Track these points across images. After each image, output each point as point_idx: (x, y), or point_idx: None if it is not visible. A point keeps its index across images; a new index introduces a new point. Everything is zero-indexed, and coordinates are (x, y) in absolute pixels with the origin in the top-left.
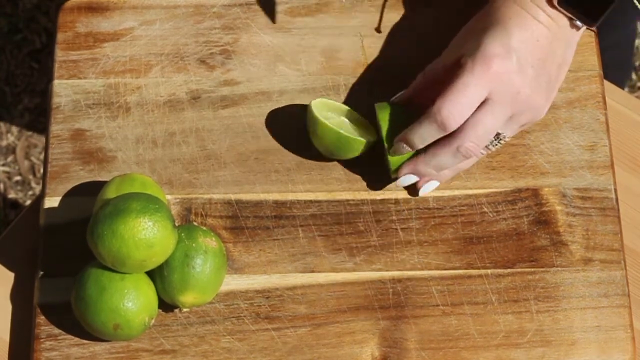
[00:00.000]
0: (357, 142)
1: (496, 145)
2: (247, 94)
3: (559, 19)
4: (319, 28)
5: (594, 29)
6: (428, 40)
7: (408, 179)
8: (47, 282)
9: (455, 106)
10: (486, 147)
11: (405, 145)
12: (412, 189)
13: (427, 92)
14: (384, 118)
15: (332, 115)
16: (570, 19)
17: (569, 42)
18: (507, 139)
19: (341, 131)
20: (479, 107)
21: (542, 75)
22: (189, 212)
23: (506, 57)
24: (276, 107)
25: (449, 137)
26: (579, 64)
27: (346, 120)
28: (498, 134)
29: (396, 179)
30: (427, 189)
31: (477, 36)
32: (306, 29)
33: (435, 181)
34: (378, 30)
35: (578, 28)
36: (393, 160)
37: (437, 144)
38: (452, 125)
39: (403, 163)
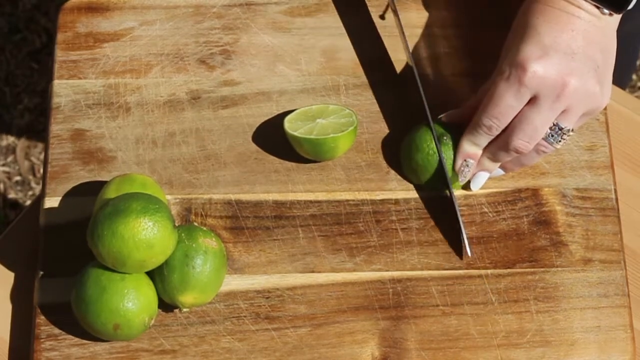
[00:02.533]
0: (328, 140)
1: (562, 138)
2: (247, 94)
3: (588, 8)
4: (319, 28)
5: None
6: (432, 40)
7: (480, 177)
8: (47, 282)
9: (496, 113)
10: (551, 141)
11: (468, 159)
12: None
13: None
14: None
15: (303, 123)
16: (597, 7)
17: (605, 27)
18: (572, 132)
19: (311, 137)
20: (526, 105)
21: (587, 63)
22: (189, 212)
23: (542, 56)
24: (276, 107)
25: (501, 136)
26: None
27: (321, 120)
28: (561, 128)
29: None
30: (479, 182)
31: (513, 46)
32: (306, 29)
33: (485, 172)
34: (382, 17)
35: (610, 14)
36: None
37: (493, 144)
38: (496, 129)
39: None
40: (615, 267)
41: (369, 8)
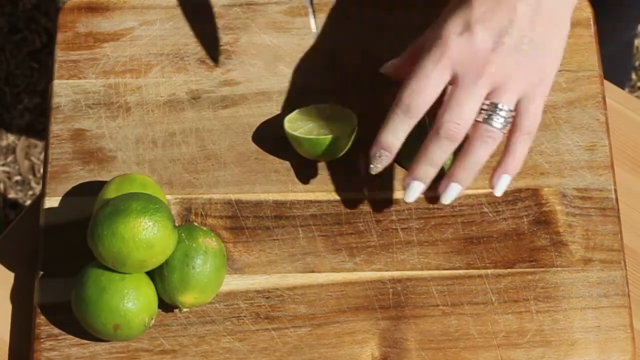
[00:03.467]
0: (328, 140)
1: (501, 117)
2: (247, 94)
3: None
4: (319, 28)
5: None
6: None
7: (412, 189)
8: (47, 282)
9: (417, 91)
10: (490, 122)
11: (383, 151)
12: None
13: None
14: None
15: (303, 123)
16: None
17: (553, 2)
18: (512, 112)
19: (311, 137)
20: (452, 85)
21: (521, 41)
22: (189, 212)
23: (465, 32)
24: (276, 107)
25: (431, 129)
26: (579, 64)
27: (321, 120)
28: (495, 105)
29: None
30: (450, 195)
31: (441, 16)
32: (306, 29)
33: (455, 184)
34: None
35: None
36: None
37: (424, 142)
38: (416, 110)
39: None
40: (616, 267)
41: (369, 8)
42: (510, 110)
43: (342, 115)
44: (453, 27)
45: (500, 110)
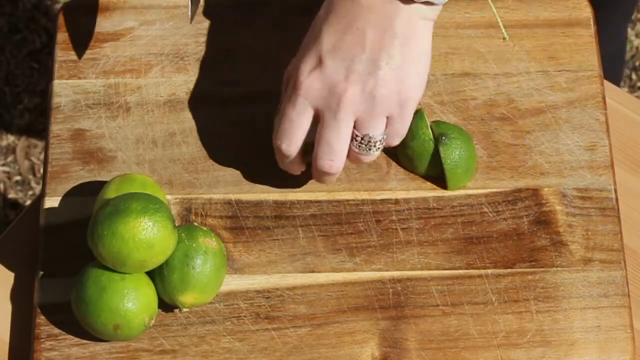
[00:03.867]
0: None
1: (374, 146)
2: (247, 94)
3: None
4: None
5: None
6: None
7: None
8: (47, 282)
9: (284, 134)
10: (364, 152)
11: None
12: None
13: None
14: None
15: None
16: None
17: (408, 17)
18: (382, 138)
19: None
20: (319, 123)
21: (375, 63)
22: (189, 212)
23: (316, 67)
24: (276, 107)
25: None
26: (579, 64)
27: None
28: (369, 136)
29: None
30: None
31: (299, 50)
32: (306, 29)
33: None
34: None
35: (408, 2)
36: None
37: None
38: (289, 152)
39: None
40: (616, 267)
41: None
42: (382, 135)
43: None
44: (304, 65)
45: (374, 139)
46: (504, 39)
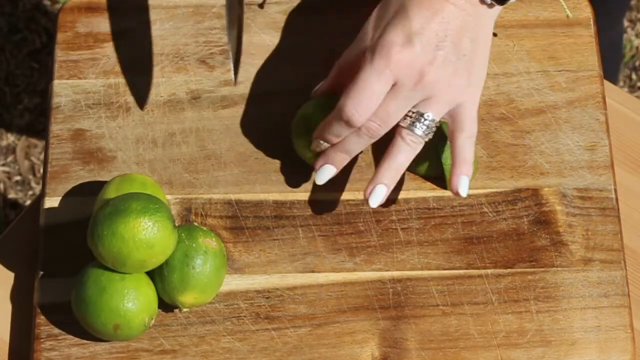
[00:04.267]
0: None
1: (424, 125)
2: (247, 94)
3: None
4: (319, 28)
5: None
6: None
7: (324, 171)
8: (47, 282)
9: (360, 103)
10: (413, 129)
11: (322, 142)
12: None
13: (347, 80)
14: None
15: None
16: None
17: (480, 17)
18: (436, 122)
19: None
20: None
21: (453, 53)
22: (189, 212)
23: (406, 43)
24: (276, 107)
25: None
26: (579, 64)
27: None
28: (421, 114)
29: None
30: (376, 197)
31: (380, 26)
32: (306, 29)
33: (381, 185)
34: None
35: (489, 5)
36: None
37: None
38: (358, 121)
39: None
40: (616, 267)
41: (370, 7)
42: (434, 121)
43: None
44: (395, 38)
45: (425, 119)
46: (567, 16)
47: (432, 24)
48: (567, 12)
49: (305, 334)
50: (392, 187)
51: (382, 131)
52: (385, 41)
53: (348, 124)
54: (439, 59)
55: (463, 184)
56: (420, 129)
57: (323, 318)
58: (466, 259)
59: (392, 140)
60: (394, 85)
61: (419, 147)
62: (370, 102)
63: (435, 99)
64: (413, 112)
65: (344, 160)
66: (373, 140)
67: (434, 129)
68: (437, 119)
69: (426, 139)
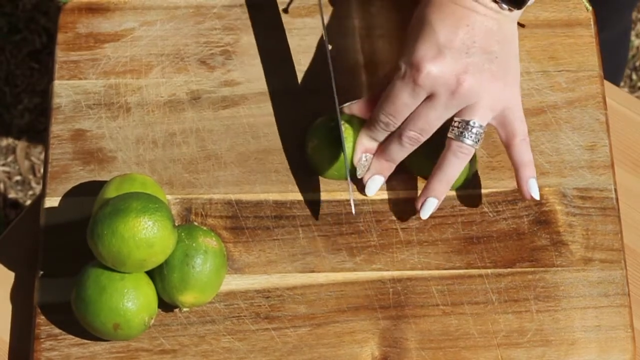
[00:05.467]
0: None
1: (472, 133)
2: (247, 94)
3: (486, 2)
4: (319, 28)
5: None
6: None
7: (373, 181)
8: (47, 282)
9: (392, 112)
10: (462, 138)
11: (366, 153)
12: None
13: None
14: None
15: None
16: (495, 2)
17: (503, 20)
18: (483, 127)
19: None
20: (423, 101)
21: (483, 57)
22: (189, 212)
23: (436, 56)
24: (276, 107)
25: (395, 130)
26: (579, 64)
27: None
28: (467, 122)
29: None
30: (428, 209)
31: (410, 43)
32: (306, 29)
33: (432, 198)
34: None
35: (509, 10)
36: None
37: (387, 139)
38: (393, 126)
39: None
40: (616, 266)
41: (370, 7)
42: (481, 126)
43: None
44: (424, 52)
45: (472, 127)
46: (587, 9)
47: (458, 33)
48: (587, 5)
49: (305, 333)
50: (442, 199)
51: (423, 139)
52: (415, 56)
53: (385, 127)
54: (472, 65)
55: (533, 187)
56: (469, 138)
57: (323, 318)
58: (466, 258)
59: (442, 153)
60: (430, 96)
61: (469, 157)
62: (401, 111)
63: (477, 105)
64: (459, 122)
65: (389, 168)
66: (414, 148)
67: (482, 136)
68: (484, 125)
69: (477, 147)
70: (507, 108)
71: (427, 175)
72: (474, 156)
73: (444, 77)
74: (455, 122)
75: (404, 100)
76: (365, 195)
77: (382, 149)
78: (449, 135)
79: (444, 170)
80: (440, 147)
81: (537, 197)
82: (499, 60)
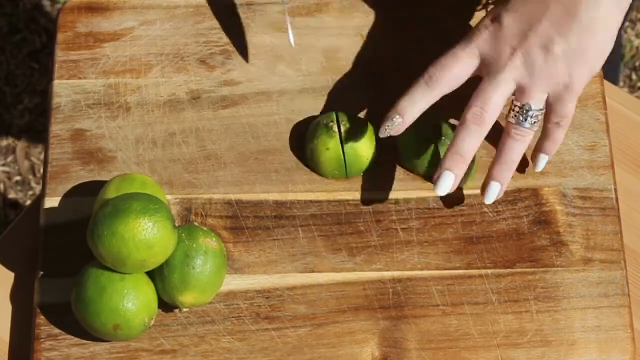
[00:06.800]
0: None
1: (529, 116)
2: (247, 94)
3: None
4: (319, 28)
5: None
6: (425, 40)
7: (444, 178)
8: (47, 282)
9: (444, 69)
10: (520, 121)
11: (397, 115)
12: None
13: None
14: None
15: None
16: None
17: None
18: (538, 114)
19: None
20: (482, 79)
21: (549, 38)
22: (189, 212)
23: (495, 22)
24: (276, 107)
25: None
26: None
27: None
28: (524, 106)
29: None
30: (491, 194)
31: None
32: (306, 29)
33: (495, 182)
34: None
35: None
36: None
37: (455, 132)
38: (439, 85)
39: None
40: (616, 267)
41: (370, 7)
42: (539, 109)
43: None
44: (485, 19)
45: (530, 110)
46: None
47: (529, 4)
48: None
49: (305, 334)
50: (506, 184)
51: (487, 117)
52: (479, 24)
53: (429, 83)
54: (529, 41)
55: (541, 162)
56: (527, 122)
57: (323, 318)
58: (466, 259)
59: (501, 138)
60: (484, 67)
61: (529, 140)
62: (453, 69)
63: (531, 86)
64: (517, 106)
65: (459, 162)
66: (482, 132)
67: (539, 119)
68: (540, 107)
69: (534, 129)
70: (556, 97)
71: (425, 174)
72: (474, 157)
73: (496, 43)
74: (514, 106)
75: (457, 54)
76: (363, 195)
77: (452, 144)
78: (508, 119)
79: (504, 155)
80: (438, 142)
81: (538, 169)
82: (570, 48)
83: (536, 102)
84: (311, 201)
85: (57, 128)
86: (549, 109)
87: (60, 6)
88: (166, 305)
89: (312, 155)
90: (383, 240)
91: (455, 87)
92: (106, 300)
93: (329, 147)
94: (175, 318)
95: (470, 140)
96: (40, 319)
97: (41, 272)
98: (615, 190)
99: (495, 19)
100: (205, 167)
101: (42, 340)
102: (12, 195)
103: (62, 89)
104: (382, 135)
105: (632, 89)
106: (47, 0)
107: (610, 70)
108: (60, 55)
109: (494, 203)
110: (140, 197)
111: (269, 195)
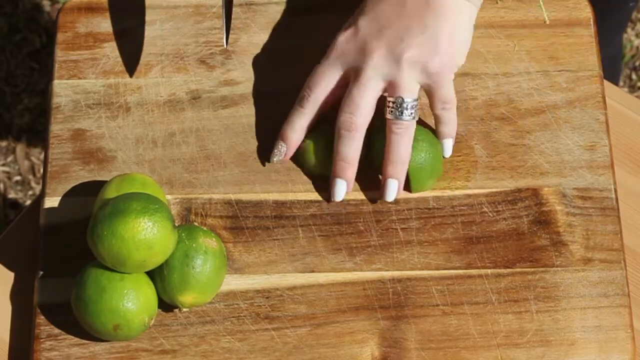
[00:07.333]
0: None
1: (410, 108)
2: (247, 94)
3: None
4: (319, 28)
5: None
6: None
7: (337, 185)
8: (47, 282)
9: (312, 89)
10: (397, 114)
11: (281, 143)
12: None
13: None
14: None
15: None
16: None
17: None
18: (413, 104)
19: None
20: (350, 83)
21: (407, 29)
22: (189, 212)
23: (351, 26)
24: (276, 107)
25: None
26: (579, 64)
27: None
28: (399, 99)
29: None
30: (390, 192)
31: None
32: (306, 29)
33: (391, 179)
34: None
35: None
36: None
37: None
38: (311, 104)
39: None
40: (616, 266)
41: None
42: (414, 100)
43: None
44: (343, 29)
45: (403, 103)
46: (544, 21)
47: (384, 6)
48: (545, 18)
49: (305, 334)
50: (403, 179)
51: (358, 120)
52: (338, 33)
53: (301, 104)
54: (387, 36)
55: (447, 147)
56: (406, 114)
57: (323, 318)
58: (466, 259)
59: (386, 136)
60: (348, 73)
61: (412, 130)
62: (320, 85)
63: (401, 79)
64: (391, 101)
65: (345, 168)
66: (358, 136)
67: (417, 109)
68: (414, 97)
69: (416, 119)
70: (431, 80)
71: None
72: (440, 159)
73: (354, 45)
74: (389, 102)
75: (323, 70)
76: (363, 195)
77: (334, 154)
78: (387, 116)
79: (392, 150)
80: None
81: (446, 155)
82: (429, 34)
83: (408, 94)
84: (311, 201)
85: (57, 128)
86: (429, 96)
87: (60, 6)
88: (166, 305)
89: (311, 155)
90: (383, 240)
91: (334, 101)
92: (106, 300)
93: (328, 148)
94: (175, 318)
95: (350, 145)
96: (40, 319)
97: (41, 272)
98: (615, 190)
99: (351, 25)
100: (205, 167)
101: (42, 340)
102: (12, 195)
103: (62, 89)
104: (272, 162)
105: (632, 89)
106: (47, 0)
107: (610, 70)
108: (60, 55)
109: (493, 203)
110: (140, 197)
111: (269, 195)
